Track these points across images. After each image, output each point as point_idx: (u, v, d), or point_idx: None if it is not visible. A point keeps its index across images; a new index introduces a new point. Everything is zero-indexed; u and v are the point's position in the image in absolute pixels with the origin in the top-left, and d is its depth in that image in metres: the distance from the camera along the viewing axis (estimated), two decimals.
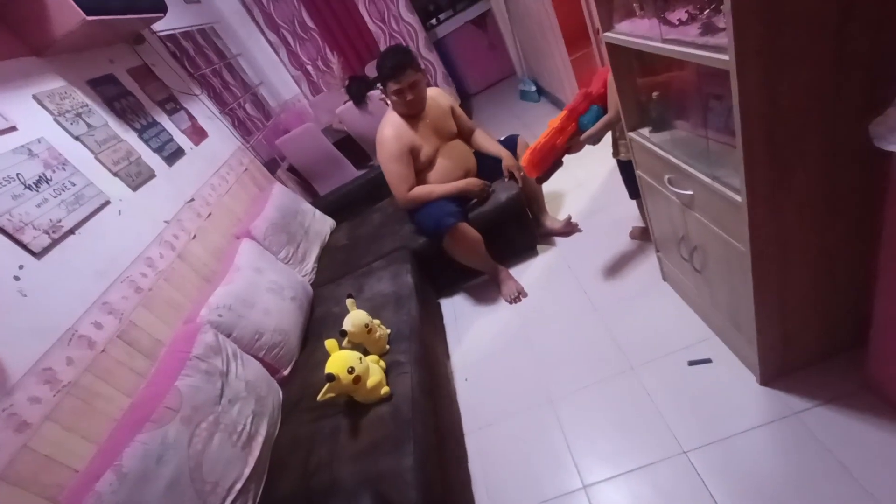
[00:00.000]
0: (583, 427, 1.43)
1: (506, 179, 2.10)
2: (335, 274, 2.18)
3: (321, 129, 3.34)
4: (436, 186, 2.03)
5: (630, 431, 1.35)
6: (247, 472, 1.22)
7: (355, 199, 2.75)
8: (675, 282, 1.63)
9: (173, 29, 2.83)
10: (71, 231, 1.43)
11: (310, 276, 2.24)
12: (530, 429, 1.50)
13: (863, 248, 1.00)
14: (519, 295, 2.03)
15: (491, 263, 2.10)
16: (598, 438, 1.38)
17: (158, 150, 2.02)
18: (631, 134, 1.40)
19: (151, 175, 1.89)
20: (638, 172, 1.49)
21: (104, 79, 1.94)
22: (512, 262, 2.23)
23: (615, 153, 1.73)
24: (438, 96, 2.12)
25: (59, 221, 1.40)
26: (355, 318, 1.48)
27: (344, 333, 1.46)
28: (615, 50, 1.27)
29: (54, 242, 1.36)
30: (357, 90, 3.11)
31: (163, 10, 2.14)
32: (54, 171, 1.46)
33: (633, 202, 1.88)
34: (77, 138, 1.62)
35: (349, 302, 1.55)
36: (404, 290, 1.79)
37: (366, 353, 1.45)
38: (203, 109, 2.61)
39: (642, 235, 1.96)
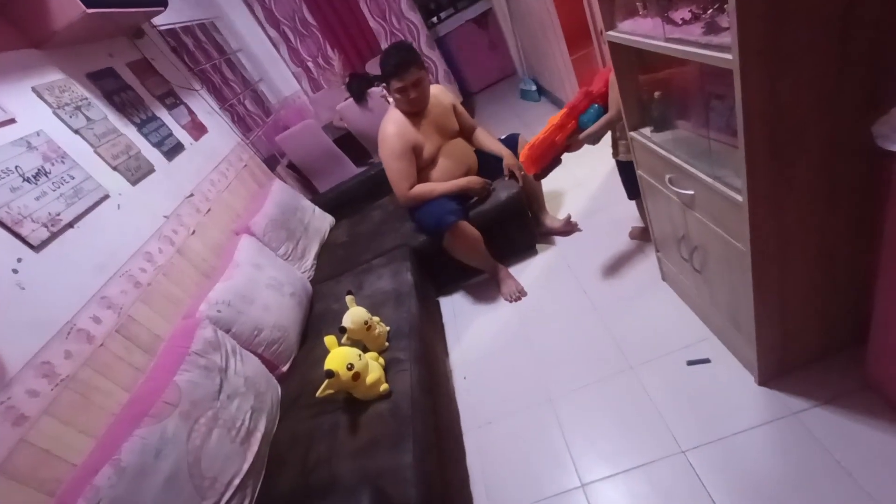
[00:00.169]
0: (581, 426, 1.43)
1: (506, 178, 2.10)
2: (335, 271, 2.18)
3: (321, 127, 3.34)
4: (437, 184, 2.03)
5: (629, 430, 1.35)
6: (245, 467, 1.22)
7: (355, 197, 2.75)
8: (675, 282, 1.64)
9: (173, 23, 2.82)
10: (70, 225, 1.42)
11: (309, 272, 2.24)
12: (529, 427, 1.50)
13: (863, 248, 1.01)
14: (518, 294, 2.04)
15: (491, 262, 2.10)
16: (597, 437, 1.38)
17: (158, 145, 2.01)
18: (632, 133, 1.40)
19: (151, 170, 1.89)
20: (639, 172, 1.49)
21: (104, 72, 1.93)
22: (512, 260, 2.23)
23: (615, 153, 1.73)
24: (440, 94, 2.12)
25: (58, 215, 1.39)
26: (355, 314, 1.48)
27: (343, 330, 1.46)
28: (617, 49, 1.27)
29: (53, 236, 1.35)
30: (357, 87, 3.10)
31: (163, 3, 2.13)
32: (53, 164, 1.45)
33: (633, 202, 1.88)
34: (76, 131, 1.61)
35: (349, 299, 1.55)
36: (404, 287, 1.79)
37: (365, 350, 1.45)
38: (203, 105, 2.60)
39: (642, 235, 1.96)
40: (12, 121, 1.41)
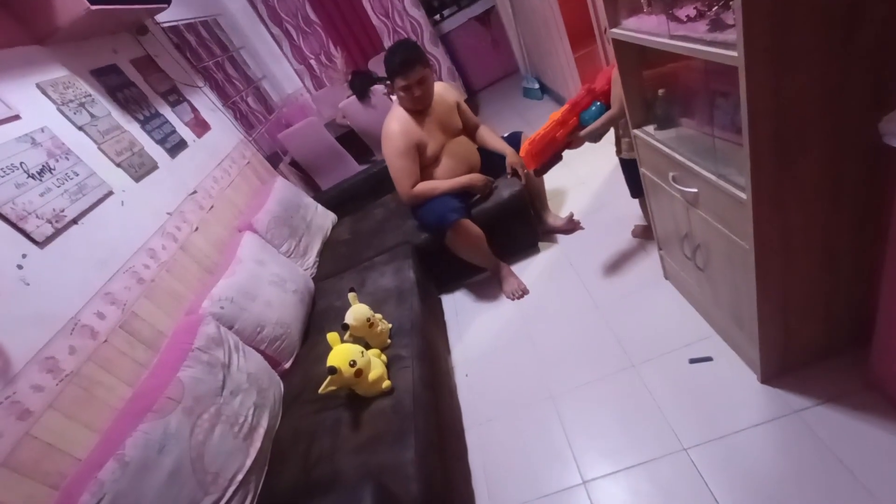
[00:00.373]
0: (583, 423, 1.43)
1: (508, 176, 2.10)
2: (337, 268, 2.18)
3: (324, 124, 3.34)
4: (439, 182, 2.02)
5: (630, 428, 1.35)
6: (248, 463, 1.22)
7: (357, 194, 2.75)
8: (677, 280, 1.64)
9: (177, 20, 2.83)
10: (74, 221, 1.43)
11: (311, 269, 2.24)
12: (531, 424, 1.50)
13: (867, 247, 1.00)
14: (521, 292, 2.03)
15: (493, 260, 2.10)
16: (599, 435, 1.38)
17: (161, 142, 2.02)
18: (636, 131, 1.40)
19: (154, 166, 1.89)
20: (642, 170, 1.49)
21: (107, 69, 1.94)
22: (514, 258, 2.23)
23: (618, 151, 1.72)
24: (444, 92, 2.11)
25: (62, 211, 1.39)
26: (357, 311, 1.48)
27: (346, 327, 1.46)
28: (621, 46, 1.26)
29: (57, 232, 1.36)
30: (360, 85, 3.10)
31: (166, 0, 2.13)
32: (57, 161, 1.46)
33: (636, 200, 1.88)
34: (80, 128, 1.62)
35: (351, 296, 1.55)
36: (406, 284, 1.79)
37: (367, 346, 1.45)
38: (206, 102, 2.60)
39: (644, 233, 1.96)
40: (17, 117, 1.42)
